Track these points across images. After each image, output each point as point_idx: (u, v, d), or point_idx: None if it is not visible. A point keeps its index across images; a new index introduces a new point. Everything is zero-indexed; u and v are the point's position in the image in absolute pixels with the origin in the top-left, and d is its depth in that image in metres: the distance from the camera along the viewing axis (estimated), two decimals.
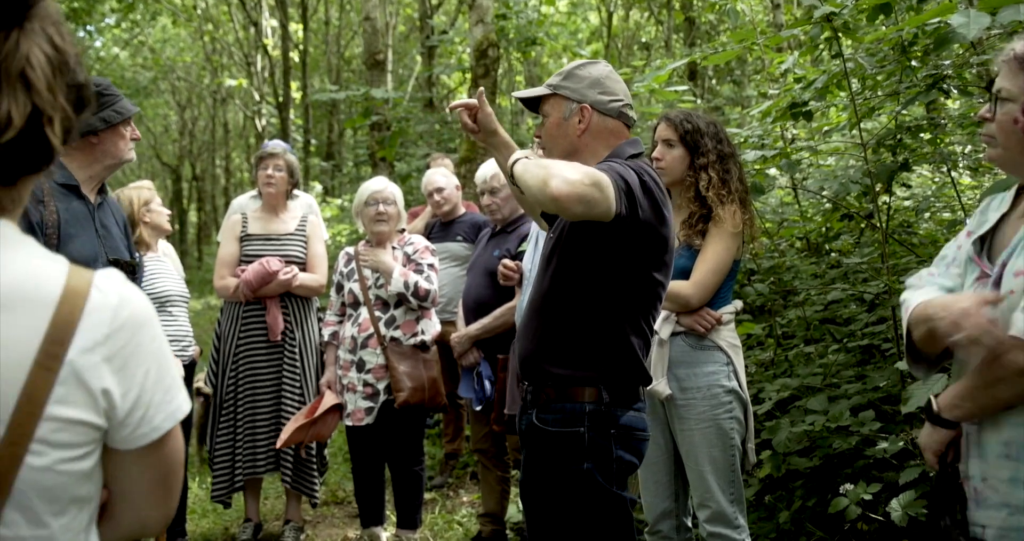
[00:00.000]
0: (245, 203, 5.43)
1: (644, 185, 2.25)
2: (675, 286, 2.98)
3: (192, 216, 32.91)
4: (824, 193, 4.64)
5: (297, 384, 4.34)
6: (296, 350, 4.36)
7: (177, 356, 4.30)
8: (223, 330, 4.45)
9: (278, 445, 4.11)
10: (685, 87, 4.99)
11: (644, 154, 2.45)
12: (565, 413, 2.30)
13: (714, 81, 11.14)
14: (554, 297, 2.35)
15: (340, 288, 4.29)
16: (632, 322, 2.33)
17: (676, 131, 3.07)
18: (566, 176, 2.03)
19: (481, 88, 2.61)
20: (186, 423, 4.60)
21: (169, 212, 4.58)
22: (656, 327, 2.96)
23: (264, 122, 22.70)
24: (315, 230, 4.55)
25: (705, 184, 2.99)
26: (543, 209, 2.18)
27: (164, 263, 4.46)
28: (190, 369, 4.47)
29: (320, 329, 4.42)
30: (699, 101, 6.12)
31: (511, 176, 2.27)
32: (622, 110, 2.45)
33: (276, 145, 4.93)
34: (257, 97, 22.44)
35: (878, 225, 3.96)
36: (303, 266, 4.45)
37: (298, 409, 4.28)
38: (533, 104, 2.54)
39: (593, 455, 2.28)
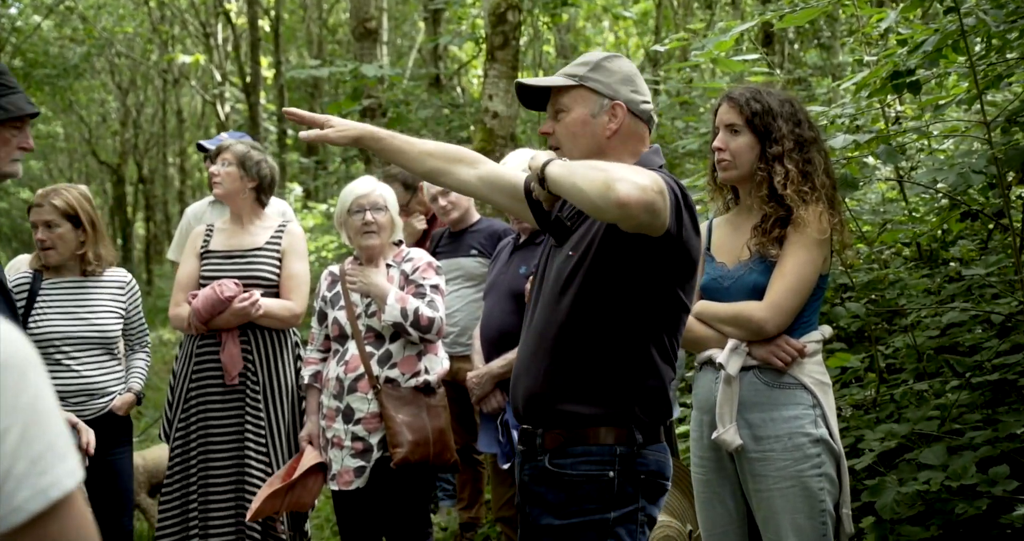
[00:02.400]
0: (201, 211, 5.50)
1: (685, 199, 2.44)
2: (746, 308, 3.00)
3: (139, 228, 33.23)
4: (939, 186, 4.62)
5: (262, 441, 4.35)
6: (260, 396, 4.37)
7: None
8: (178, 370, 4.51)
9: (248, 517, 4.14)
10: (757, 55, 5.01)
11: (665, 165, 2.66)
12: (592, 455, 2.49)
13: (796, 46, 11.14)
14: (576, 325, 2.52)
15: (323, 317, 4.32)
16: (662, 350, 2.53)
17: (742, 113, 3.09)
18: (634, 180, 2.22)
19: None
20: (123, 492, 4.61)
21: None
22: (721, 359, 3.00)
23: (228, 108, 22.94)
24: (293, 243, 4.55)
25: (781, 179, 3.01)
26: (597, 216, 2.35)
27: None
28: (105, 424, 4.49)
29: (299, 368, 4.45)
30: (777, 72, 6.14)
31: (539, 179, 2.41)
32: (652, 115, 2.67)
33: (221, 139, 5.05)
34: (218, 77, 22.69)
35: (1010, 226, 3.95)
36: (274, 289, 4.48)
37: (264, 474, 4.30)
38: (534, 98, 2.72)
39: (619, 505, 2.47)
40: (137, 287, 4.72)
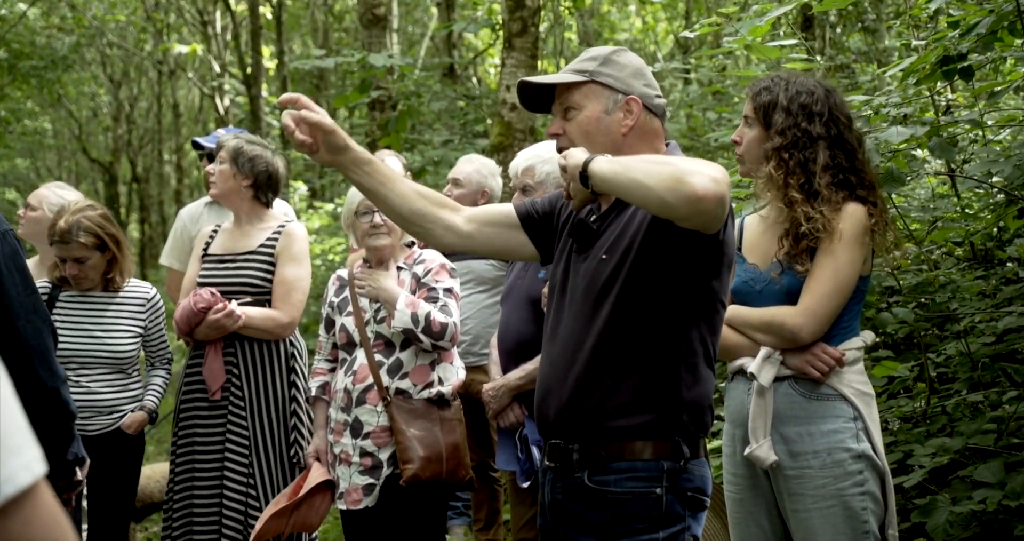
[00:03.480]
0: (197, 212, 5.54)
1: None
2: (779, 314, 3.00)
3: (133, 230, 33.40)
4: (994, 180, 4.62)
5: (244, 461, 4.36)
6: (245, 412, 4.38)
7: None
8: (178, 383, 4.59)
9: (251, 539, 4.17)
10: (795, 41, 5.01)
11: None
12: (637, 471, 2.52)
13: (838, 30, 11.11)
14: (618, 332, 2.54)
15: (331, 325, 4.34)
16: (706, 355, 2.58)
17: (752, 103, 3.15)
18: (706, 172, 2.28)
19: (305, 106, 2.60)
20: (120, 513, 4.66)
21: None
22: (753, 369, 3.00)
23: (227, 102, 23.03)
24: (289, 245, 4.51)
25: (763, 181, 3.05)
26: (662, 213, 2.36)
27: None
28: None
29: (292, 381, 4.48)
30: (817, 59, 6.13)
31: (583, 177, 2.43)
32: (665, 110, 2.73)
33: (217, 136, 5.15)
34: (217, 68, 22.80)
35: None
36: (266, 296, 4.48)
37: (242, 499, 4.32)
38: (536, 100, 2.75)
39: (667, 524, 2.51)
40: (160, 303, 4.80)
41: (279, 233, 4.55)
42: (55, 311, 4.53)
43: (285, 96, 2.63)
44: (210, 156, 5.13)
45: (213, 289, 4.37)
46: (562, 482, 2.62)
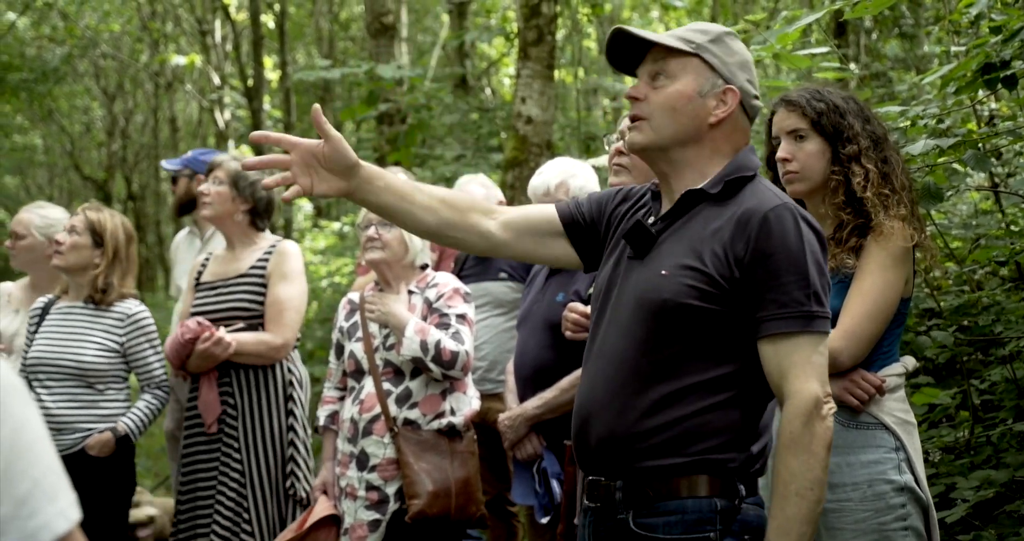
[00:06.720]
0: (180, 239, 5.68)
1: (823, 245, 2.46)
2: None
3: None
4: None
5: (233, 495, 4.40)
6: (239, 445, 4.43)
7: None
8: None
9: None
10: (827, 49, 5.00)
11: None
12: (687, 512, 2.37)
13: (874, 36, 11.09)
14: (671, 355, 2.40)
15: (340, 351, 4.35)
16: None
17: (805, 116, 3.10)
18: (817, 430, 2.38)
19: (316, 106, 2.56)
20: None
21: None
22: None
23: (228, 115, 23.10)
24: (280, 264, 4.56)
25: (861, 180, 3.01)
26: None
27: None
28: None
29: (289, 410, 4.52)
30: (853, 67, 6.12)
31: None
32: (758, 113, 2.58)
33: (187, 159, 5.35)
34: (217, 80, 22.89)
35: None
36: (258, 320, 4.53)
37: (228, 536, 4.37)
38: (624, 58, 2.60)
39: None
40: (144, 320, 4.73)
41: (270, 253, 4.60)
42: (44, 323, 4.61)
43: (255, 134, 2.61)
44: (174, 179, 5.35)
45: (200, 318, 4.40)
46: (606, 524, 2.47)
